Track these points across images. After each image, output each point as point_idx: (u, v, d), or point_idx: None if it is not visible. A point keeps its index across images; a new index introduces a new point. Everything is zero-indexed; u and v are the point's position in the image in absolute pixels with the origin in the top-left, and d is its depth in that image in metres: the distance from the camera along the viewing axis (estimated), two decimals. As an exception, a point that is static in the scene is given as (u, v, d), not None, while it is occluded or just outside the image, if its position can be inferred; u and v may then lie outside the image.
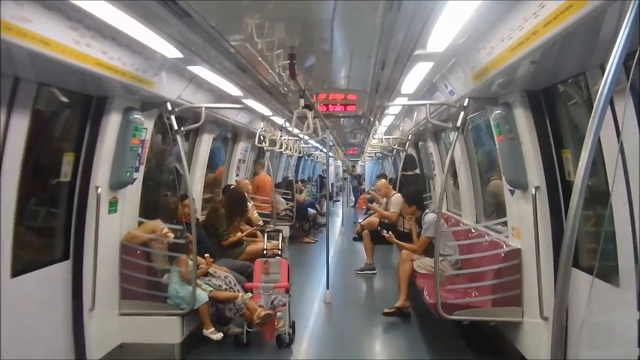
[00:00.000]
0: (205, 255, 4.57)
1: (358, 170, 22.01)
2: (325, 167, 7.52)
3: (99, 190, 3.74)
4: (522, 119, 3.62)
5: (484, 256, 4.25)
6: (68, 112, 3.78)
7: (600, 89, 1.68)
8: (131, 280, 4.17)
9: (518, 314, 3.91)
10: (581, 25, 2.06)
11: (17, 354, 3.00)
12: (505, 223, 4.36)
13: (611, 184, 2.53)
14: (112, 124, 3.80)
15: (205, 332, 4.31)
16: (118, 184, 3.96)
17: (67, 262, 3.68)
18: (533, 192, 3.55)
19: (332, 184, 20.71)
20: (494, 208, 5.35)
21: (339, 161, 20.49)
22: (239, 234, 6.05)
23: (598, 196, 3.02)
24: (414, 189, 6.85)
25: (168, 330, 4.18)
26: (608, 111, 2.44)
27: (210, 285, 4.44)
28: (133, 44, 3.09)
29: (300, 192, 12.33)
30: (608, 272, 2.71)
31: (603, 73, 1.68)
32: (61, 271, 3.62)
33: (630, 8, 1.60)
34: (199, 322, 4.36)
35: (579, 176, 1.73)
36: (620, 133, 2.44)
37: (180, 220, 4.56)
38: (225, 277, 4.63)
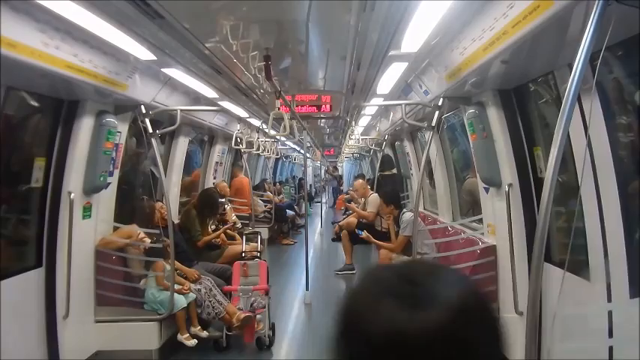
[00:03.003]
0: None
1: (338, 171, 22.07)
2: (303, 169, 7.51)
3: (72, 195, 3.66)
4: (495, 118, 3.69)
5: (460, 254, 4.31)
6: (38, 116, 3.70)
7: (568, 87, 1.73)
8: (107, 286, 4.10)
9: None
10: (548, 25, 2.11)
11: (-12, 365, 2.93)
12: (480, 221, 4.43)
13: (580, 180, 2.60)
14: (84, 128, 3.73)
15: (180, 337, 4.26)
16: (91, 188, 3.89)
17: (39, 270, 3.59)
18: (507, 189, 3.62)
19: (310, 185, 20.71)
20: (471, 206, 5.43)
21: (317, 162, 20.52)
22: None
23: (569, 192, 3.09)
24: (391, 188, 6.92)
25: (145, 336, 4.12)
26: (576, 108, 2.50)
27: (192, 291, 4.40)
28: (105, 46, 3.04)
29: (279, 193, 12.29)
30: (579, 266, 2.78)
31: (571, 72, 1.73)
32: (33, 278, 3.53)
33: (594, 9, 1.65)
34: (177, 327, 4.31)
35: (549, 172, 1.78)
36: (587, 130, 2.50)
37: (156, 225, 4.49)
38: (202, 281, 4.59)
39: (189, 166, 7.27)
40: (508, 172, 3.64)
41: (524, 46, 2.50)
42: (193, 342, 4.26)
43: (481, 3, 2.55)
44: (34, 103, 3.57)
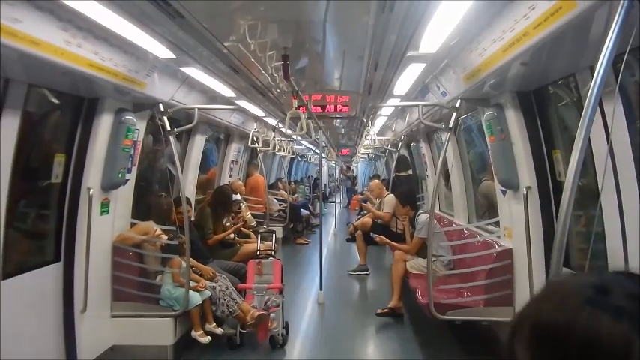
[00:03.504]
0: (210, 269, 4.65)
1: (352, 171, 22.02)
2: (318, 168, 7.52)
3: (91, 191, 3.72)
4: (513, 120, 3.65)
5: (476, 256, 4.28)
6: (59, 113, 3.76)
7: (590, 90, 1.70)
8: (123, 281, 4.15)
9: (509, 314, 3.92)
10: (570, 26, 2.08)
11: (7, 356, 2.98)
12: (497, 224, 4.39)
13: (601, 185, 2.56)
14: (103, 125, 3.78)
15: (194, 334, 4.29)
16: (110, 185, 3.94)
17: (58, 264, 3.66)
18: (525, 192, 3.58)
19: (325, 185, 20.71)
20: (486, 209, 5.38)
21: (332, 162, 20.52)
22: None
23: (588, 197, 3.04)
24: (408, 189, 6.87)
25: (160, 331, 4.16)
26: (598, 112, 2.46)
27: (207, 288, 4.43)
28: (125, 45, 3.08)
29: (293, 193, 12.31)
30: (598, 272, 2.73)
31: (593, 75, 1.70)
32: (52, 272, 3.60)
33: (618, 10, 1.62)
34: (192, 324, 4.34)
35: (570, 176, 1.75)
36: (609, 134, 2.46)
37: (173, 222, 4.54)
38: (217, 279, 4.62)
39: (205, 165, 7.32)
40: (526, 175, 3.60)
41: (544, 47, 2.46)
42: (207, 339, 4.30)
43: (502, 4, 2.52)
44: (55, 101, 3.63)
